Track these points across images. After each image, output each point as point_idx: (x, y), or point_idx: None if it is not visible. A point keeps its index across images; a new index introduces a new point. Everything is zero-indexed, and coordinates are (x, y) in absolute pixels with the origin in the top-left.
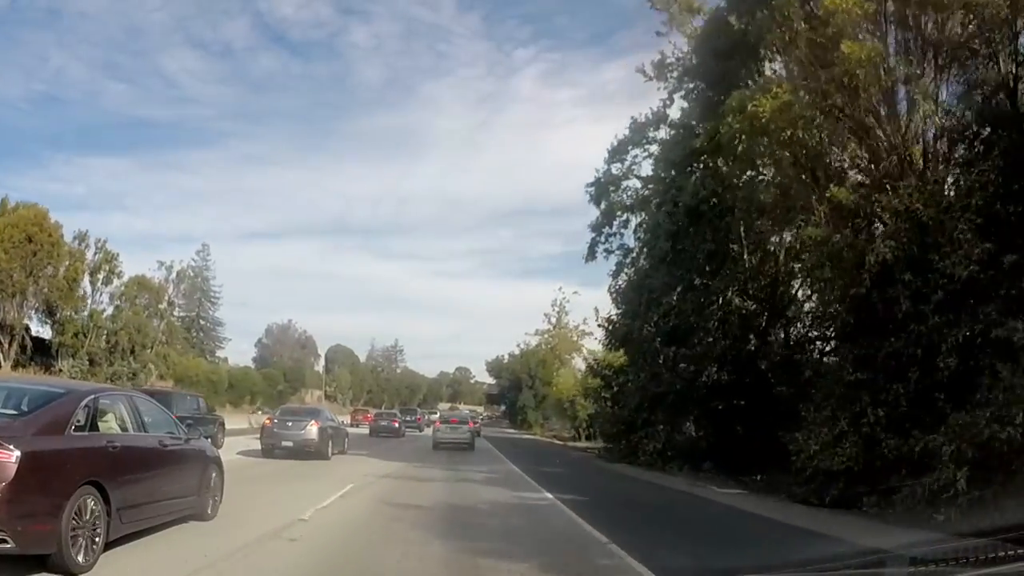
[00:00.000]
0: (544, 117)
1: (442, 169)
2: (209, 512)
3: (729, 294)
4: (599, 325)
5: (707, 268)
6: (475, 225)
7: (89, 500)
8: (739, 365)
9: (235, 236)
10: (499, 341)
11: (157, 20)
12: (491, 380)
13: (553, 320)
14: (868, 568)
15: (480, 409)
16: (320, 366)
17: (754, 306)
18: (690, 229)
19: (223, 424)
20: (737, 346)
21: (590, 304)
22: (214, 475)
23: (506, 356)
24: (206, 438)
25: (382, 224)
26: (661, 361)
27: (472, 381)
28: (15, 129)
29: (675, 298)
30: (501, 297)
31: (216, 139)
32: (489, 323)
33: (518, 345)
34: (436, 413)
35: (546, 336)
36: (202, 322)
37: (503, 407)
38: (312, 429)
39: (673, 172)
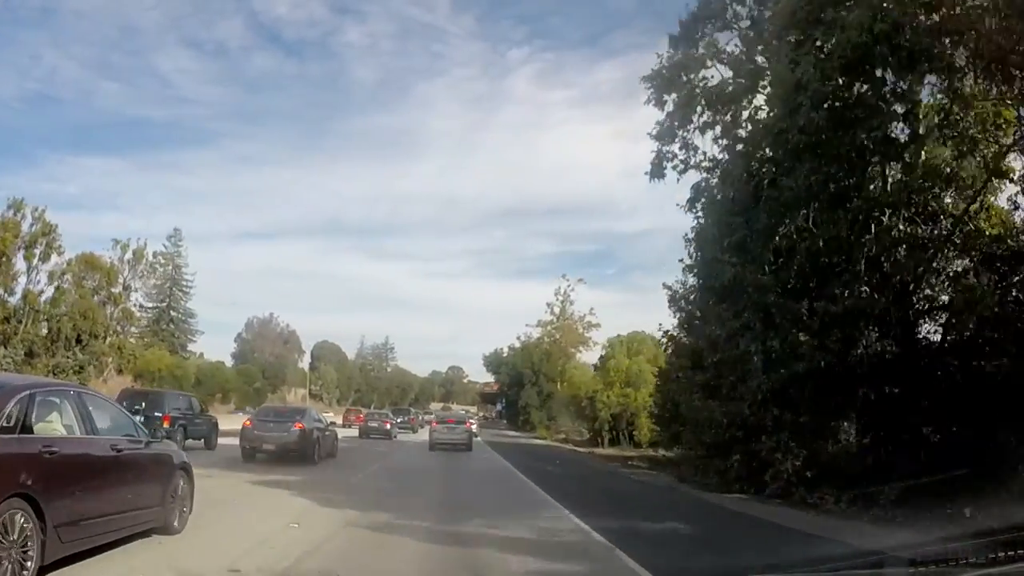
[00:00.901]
0: (538, 118)
1: (437, 169)
2: (176, 525)
3: (886, 217)
4: (686, 266)
5: (877, 162)
6: (470, 225)
7: (17, 516)
8: (911, 328)
9: (229, 236)
10: (493, 342)
11: (151, 19)
12: (488, 377)
13: (556, 310)
14: (867, 569)
15: (473, 409)
16: (304, 363)
17: (935, 231)
18: (850, 93)
19: (217, 425)
20: (907, 299)
21: (590, 303)
22: (182, 483)
23: (505, 349)
24: (200, 439)
25: (377, 224)
26: (789, 321)
27: (465, 381)
28: (9, 128)
29: (809, 219)
30: (496, 298)
31: (210, 139)
32: (483, 323)
33: (518, 338)
34: (431, 414)
35: (549, 328)
36: (173, 313)
37: (499, 407)
38: (295, 431)
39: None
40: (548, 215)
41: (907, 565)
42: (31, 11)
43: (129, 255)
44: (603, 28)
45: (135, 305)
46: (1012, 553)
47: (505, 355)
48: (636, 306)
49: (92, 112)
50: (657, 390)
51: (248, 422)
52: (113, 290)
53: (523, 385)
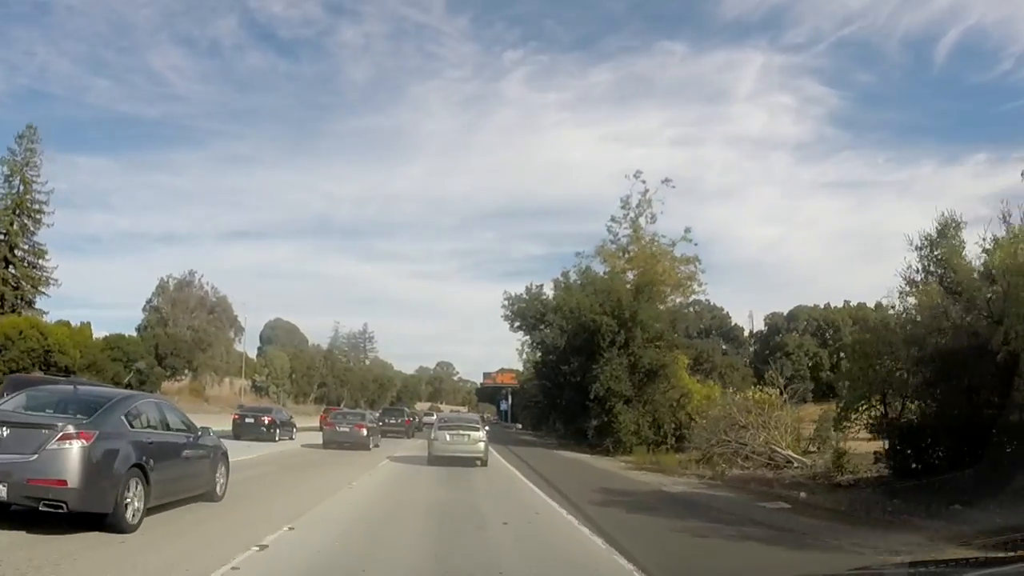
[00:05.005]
0: (531, 120)
1: (428, 170)
2: None
3: None
4: None
5: None
6: (460, 226)
7: None
8: None
9: (218, 235)
10: (483, 343)
11: (145, 16)
12: (511, 345)
13: (626, 228)
14: (868, 570)
15: (464, 410)
16: (244, 345)
17: None
18: None
19: None
20: None
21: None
22: None
23: (549, 288)
24: None
25: (366, 225)
26: None
27: (455, 378)
28: None
29: None
30: (485, 299)
31: (201, 138)
32: (472, 325)
33: (563, 272)
34: (431, 415)
35: (621, 261)
36: (18, 252)
37: (503, 406)
38: (60, 451)
39: None
40: (538, 217)
41: (907, 568)
42: (25, 6)
43: None
44: (596, 31)
45: None
46: (1012, 555)
47: (550, 297)
48: None
49: (83, 109)
50: None
51: None
52: None
53: (592, 352)
